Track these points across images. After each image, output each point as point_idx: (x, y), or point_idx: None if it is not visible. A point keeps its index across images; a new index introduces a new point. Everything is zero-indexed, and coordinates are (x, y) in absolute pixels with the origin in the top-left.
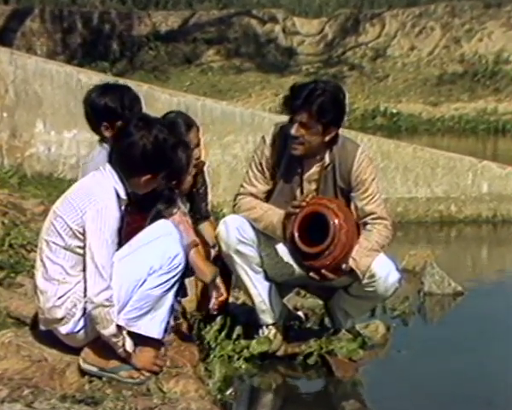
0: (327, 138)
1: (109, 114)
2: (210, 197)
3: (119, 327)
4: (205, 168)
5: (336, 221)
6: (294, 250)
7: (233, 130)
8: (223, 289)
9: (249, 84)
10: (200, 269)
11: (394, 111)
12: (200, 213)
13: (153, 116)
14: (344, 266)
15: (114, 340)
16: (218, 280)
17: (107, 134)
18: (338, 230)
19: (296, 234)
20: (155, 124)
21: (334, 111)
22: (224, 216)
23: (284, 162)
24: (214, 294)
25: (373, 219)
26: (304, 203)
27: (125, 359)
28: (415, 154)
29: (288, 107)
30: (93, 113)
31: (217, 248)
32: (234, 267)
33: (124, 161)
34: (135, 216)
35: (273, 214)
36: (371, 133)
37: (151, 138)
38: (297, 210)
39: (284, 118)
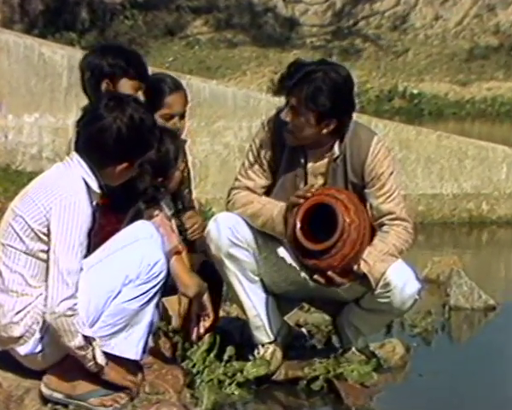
0: (324, 131)
1: (113, 69)
2: (193, 184)
3: (87, 338)
4: (186, 147)
5: (346, 214)
6: (296, 248)
7: (224, 114)
8: (210, 310)
9: (243, 60)
10: (182, 280)
11: (415, 92)
12: (182, 203)
13: (125, 94)
14: (355, 267)
15: (82, 353)
16: (205, 297)
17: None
18: (348, 224)
19: (298, 225)
20: (129, 102)
21: (332, 102)
22: (212, 216)
23: (286, 153)
24: (197, 319)
25: (390, 219)
26: (309, 194)
27: (96, 374)
28: (439, 142)
29: (284, 87)
30: (93, 74)
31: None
32: (225, 274)
33: (95, 148)
34: (110, 218)
35: (273, 207)
36: (387, 118)
37: (126, 119)
38: (300, 200)
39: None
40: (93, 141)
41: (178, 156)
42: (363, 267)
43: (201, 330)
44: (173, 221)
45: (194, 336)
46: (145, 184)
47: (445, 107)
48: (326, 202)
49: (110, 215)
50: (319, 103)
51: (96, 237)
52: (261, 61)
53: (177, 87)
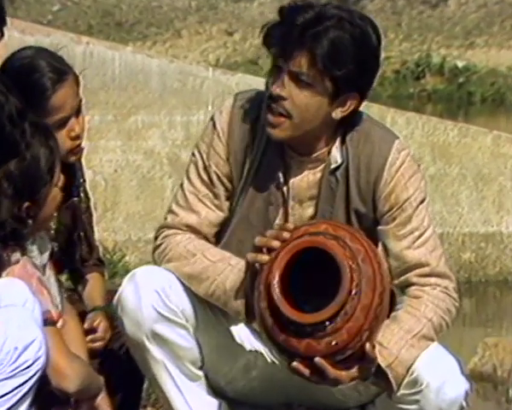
0: (338, 113)
1: None
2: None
3: None
4: (83, 160)
5: (351, 261)
6: (273, 323)
7: (145, 102)
8: None
9: (176, 12)
10: (58, 367)
11: (460, 64)
12: (79, 255)
13: None
14: (367, 347)
15: None
16: (102, 399)
17: None
18: (359, 277)
19: (276, 290)
20: None
21: (358, 61)
22: (125, 269)
23: (252, 165)
24: None
25: (421, 275)
26: (285, 234)
27: None
28: (497, 148)
29: (271, 43)
30: None
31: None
32: (147, 367)
33: None
34: None
35: (226, 269)
36: (413, 109)
37: None
38: (264, 258)
39: (247, 81)
40: None
41: (55, 167)
42: (381, 359)
43: None
44: (50, 274)
45: None
46: (1, 214)
47: (508, 89)
48: (319, 244)
49: None
50: (342, 62)
51: None
52: (206, 16)
53: (62, 74)
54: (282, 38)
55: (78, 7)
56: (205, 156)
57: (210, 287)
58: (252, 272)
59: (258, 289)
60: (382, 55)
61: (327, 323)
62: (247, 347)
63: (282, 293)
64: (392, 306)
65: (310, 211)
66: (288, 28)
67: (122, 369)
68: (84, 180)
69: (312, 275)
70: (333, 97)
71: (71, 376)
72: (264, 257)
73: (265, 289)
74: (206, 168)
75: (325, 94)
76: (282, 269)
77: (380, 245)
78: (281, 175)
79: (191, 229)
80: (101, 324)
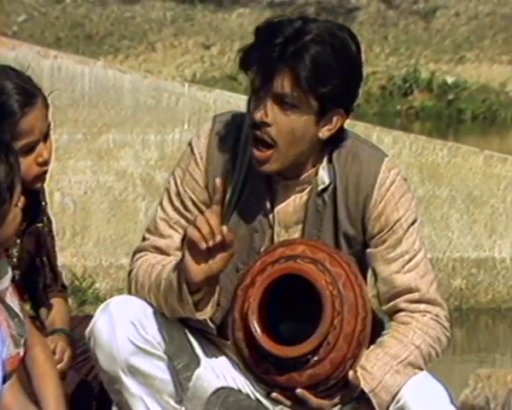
0: (325, 133)
1: None
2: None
3: None
4: (45, 184)
5: (332, 287)
6: (250, 354)
7: (117, 120)
8: None
9: (151, 24)
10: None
11: (449, 80)
12: (43, 281)
13: None
14: (350, 375)
15: None
16: None
17: None
18: (341, 304)
19: (254, 323)
20: None
21: (342, 75)
22: (96, 297)
23: (235, 188)
24: None
25: (411, 301)
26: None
27: None
28: (489, 169)
29: (250, 65)
30: None
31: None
32: (124, 402)
33: None
34: None
35: (171, 263)
36: (400, 127)
37: None
38: (203, 244)
39: (225, 98)
40: None
41: (15, 185)
42: (364, 383)
43: None
44: (13, 298)
45: None
46: None
47: (501, 106)
48: (296, 272)
49: None
50: (327, 78)
51: None
52: (181, 28)
53: (31, 96)
54: (262, 60)
55: (46, 18)
56: (179, 181)
57: (164, 294)
58: (187, 242)
59: (232, 316)
60: (368, 69)
61: (309, 356)
62: (226, 380)
63: (260, 326)
64: (378, 333)
65: (296, 236)
66: (266, 49)
67: (90, 396)
68: (46, 203)
69: (288, 295)
70: (319, 117)
71: None
72: (204, 244)
73: (241, 320)
74: (179, 194)
75: (311, 114)
76: (259, 300)
77: (370, 269)
78: (267, 202)
79: (159, 251)
80: (57, 346)
